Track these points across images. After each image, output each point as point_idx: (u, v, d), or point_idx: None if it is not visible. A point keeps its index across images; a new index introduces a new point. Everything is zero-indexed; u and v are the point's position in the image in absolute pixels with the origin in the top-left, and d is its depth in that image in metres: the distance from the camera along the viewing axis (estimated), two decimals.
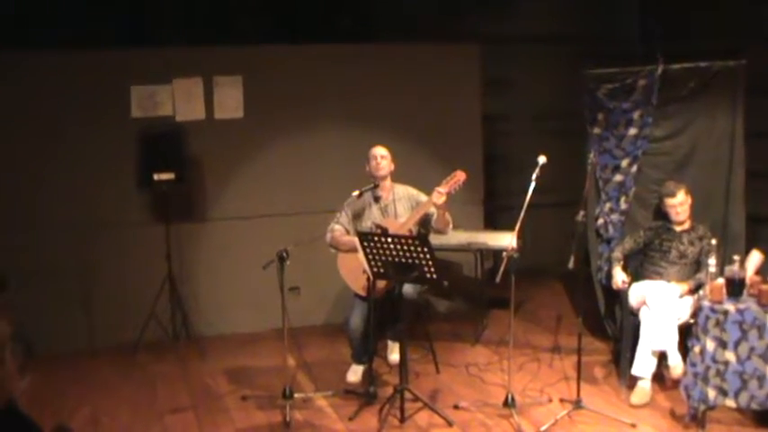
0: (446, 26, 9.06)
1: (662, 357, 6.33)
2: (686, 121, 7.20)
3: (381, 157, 6.68)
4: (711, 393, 5.66)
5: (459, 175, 6.41)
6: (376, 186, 6.70)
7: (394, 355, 7.13)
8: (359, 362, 6.87)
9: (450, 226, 6.63)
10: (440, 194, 6.32)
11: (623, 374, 6.59)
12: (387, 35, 8.87)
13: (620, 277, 6.70)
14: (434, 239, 6.44)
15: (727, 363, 5.63)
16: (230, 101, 7.89)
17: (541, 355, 7.30)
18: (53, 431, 3.76)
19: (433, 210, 6.50)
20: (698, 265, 6.63)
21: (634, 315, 6.58)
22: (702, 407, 5.69)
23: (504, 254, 5.92)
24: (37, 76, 7.36)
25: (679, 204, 6.67)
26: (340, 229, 6.72)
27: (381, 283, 6.41)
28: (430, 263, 5.76)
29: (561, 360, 7.15)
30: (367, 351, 6.68)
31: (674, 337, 6.24)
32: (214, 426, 6.11)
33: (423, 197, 6.67)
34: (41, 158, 7.45)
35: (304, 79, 8.05)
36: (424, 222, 6.62)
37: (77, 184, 7.54)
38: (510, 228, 6.28)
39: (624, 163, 7.24)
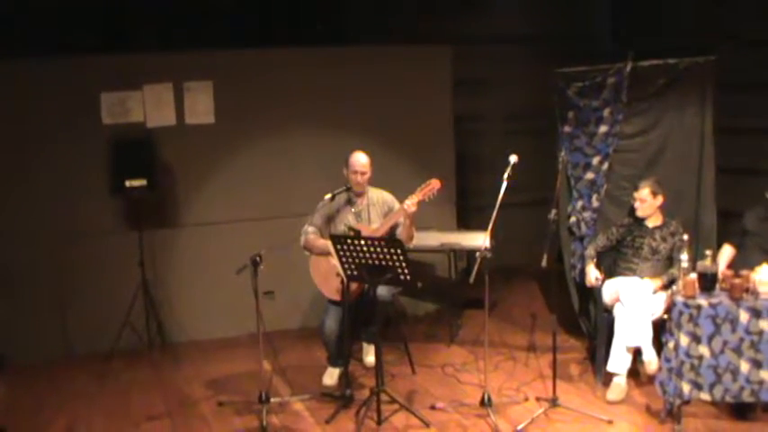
0: (417, 28, 9.06)
1: (637, 353, 6.36)
2: (656, 118, 7.23)
3: (362, 173, 6.64)
4: (686, 388, 5.70)
5: (434, 184, 6.42)
6: (349, 189, 6.68)
7: (369, 358, 7.14)
8: (335, 365, 6.87)
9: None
10: (412, 205, 6.33)
11: (599, 371, 6.62)
12: (358, 38, 8.85)
13: (593, 274, 6.72)
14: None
15: (701, 357, 5.67)
16: (201, 106, 7.85)
17: (517, 354, 7.32)
18: None
19: (401, 219, 6.51)
20: (670, 260, 6.67)
21: (608, 312, 6.61)
22: (678, 401, 5.72)
23: (478, 254, 5.93)
24: (5, 83, 7.29)
25: (639, 199, 6.71)
26: (314, 231, 6.71)
27: (354, 286, 6.41)
28: (403, 264, 5.78)
29: (537, 358, 7.17)
30: (342, 354, 6.67)
31: (649, 333, 6.27)
32: None
33: (396, 204, 6.67)
34: (11, 166, 7.38)
35: (275, 83, 8.02)
36: (391, 230, 6.63)
37: (49, 191, 7.47)
38: (483, 228, 6.31)
39: (595, 161, 7.27)
